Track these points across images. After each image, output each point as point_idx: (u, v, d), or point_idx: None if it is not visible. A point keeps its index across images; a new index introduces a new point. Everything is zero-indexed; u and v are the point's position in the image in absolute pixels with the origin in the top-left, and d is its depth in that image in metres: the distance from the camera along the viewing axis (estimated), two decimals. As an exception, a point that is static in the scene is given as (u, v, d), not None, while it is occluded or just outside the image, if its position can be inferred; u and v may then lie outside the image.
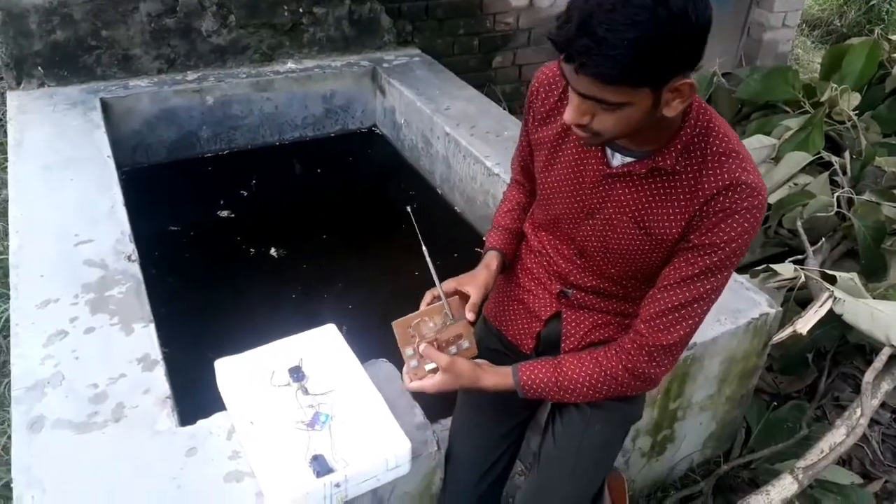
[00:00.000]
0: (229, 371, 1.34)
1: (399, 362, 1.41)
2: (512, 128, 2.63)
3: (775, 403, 2.08)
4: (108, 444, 1.27)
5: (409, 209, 1.21)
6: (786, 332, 1.86)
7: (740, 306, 1.75)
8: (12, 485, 1.21)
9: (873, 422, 2.11)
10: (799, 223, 2.44)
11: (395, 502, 1.32)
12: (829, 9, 5.91)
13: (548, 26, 0.96)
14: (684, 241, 1.09)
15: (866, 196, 2.52)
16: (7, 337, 1.75)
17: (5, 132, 2.47)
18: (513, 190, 1.44)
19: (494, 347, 1.38)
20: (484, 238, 2.59)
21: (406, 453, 1.22)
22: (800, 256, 2.30)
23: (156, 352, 1.48)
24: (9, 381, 1.41)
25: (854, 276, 2.02)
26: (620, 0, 0.85)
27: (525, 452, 1.68)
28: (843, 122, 2.95)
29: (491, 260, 1.33)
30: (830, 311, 1.89)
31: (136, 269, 1.73)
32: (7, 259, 1.79)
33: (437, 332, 1.18)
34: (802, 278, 2.06)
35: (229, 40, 2.95)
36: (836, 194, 2.52)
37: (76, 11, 2.63)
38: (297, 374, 1.33)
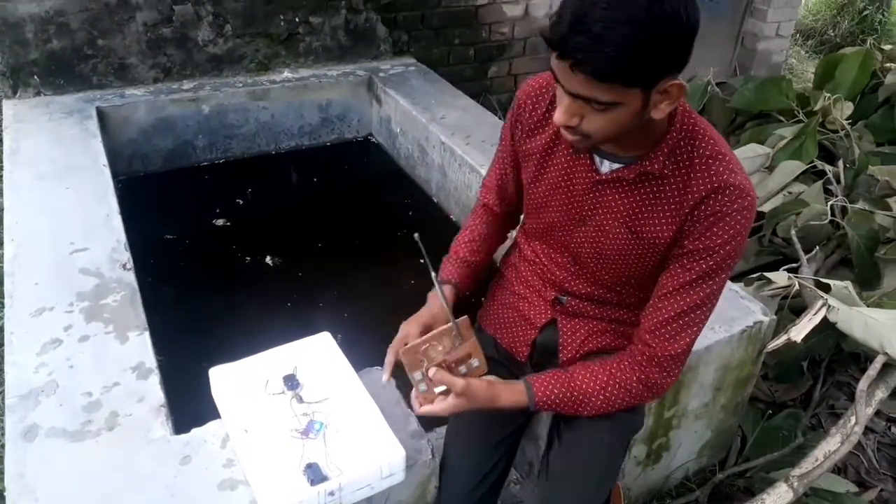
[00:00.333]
0: (224, 379, 1.34)
1: (393, 372, 1.42)
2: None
3: (770, 412, 2.08)
4: (102, 453, 1.27)
5: (415, 237, 1.17)
6: (780, 340, 1.87)
7: (735, 314, 1.75)
8: (5, 493, 1.20)
9: (868, 430, 2.11)
10: (793, 232, 2.45)
11: (389, 511, 1.31)
12: (822, 19, 5.96)
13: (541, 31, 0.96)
14: (678, 247, 1.10)
15: (860, 205, 2.54)
16: (1, 345, 1.75)
17: (1, 141, 2.47)
18: (476, 218, 1.42)
19: (489, 355, 1.37)
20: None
21: (400, 461, 1.22)
22: (794, 265, 2.31)
23: (150, 360, 1.47)
24: (2, 390, 1.40)
25: (848, 284, 2.03)
26: None
27: (520, 461, 1.68)
28: (836, 132, 2.97)
29: (444, 293, 1.26)
30: (825, 320, 1.90)
31: (131, 277, 1.72)
32: (2, 267, 1.79)
33: (446, 354, 1.15)
34: (796, 286, 2.07)
35: (225, 49, 2.96)
36: (829, 203, 2.54)
37: (72, 20, 2.64)
38: (291, 382, 1.33)
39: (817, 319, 1.89)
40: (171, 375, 1.50)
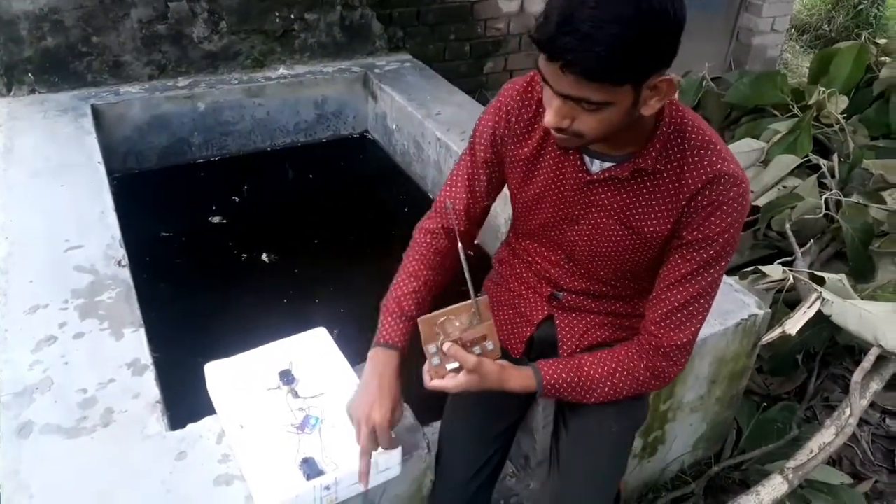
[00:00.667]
0: (219, 375, 1.34)
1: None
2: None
3: (765, 404, 2.09)
4: (98, 449, 1.27)
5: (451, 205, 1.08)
6: (775, 333, 1.88)
7: (730, 308, 1.75)
8: (0, 490, 1.20)
9: (863, 422, 2.12)
10: (787, 225, 2.46)
11: (385, 505, 1.32)
12: (817, 14, 5.96)
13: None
14: (677, 239, 1.10)
15: (854, 198, 2.54)
16: (-4, 343, 1.75)
17: (-5, 139, 2.46)
18: (422, 260, 1.26)
19: (483, 351, 1.38)
20: (476, 241, 2.60)
21: (396, 455, 1.22)
22: (788, 258, 2.32)
23: (146, 356, 1.47)
24: (-2, 387, 1.40)
25: (842, 277, 2.04)
26: None
27: (515, 454, 1.69)
28: (831, 126, 2.98)
29: (387, 365, 1.18)
30: (819, 313, 1.91)
31: (126, 274, 1.72)
32: (-4, 265, 1.79)
33: (462, 331, 1.13)
34: (791, 280, 2.08)
35: (221, 46, 2.95)
36: (824, 197, 2.55)
37: (67, 18, 2.63)
38: (287, 377, 1.33)
39: (812, 312, 1.89)
40: (166, 371, 1.50)
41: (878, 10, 5.83)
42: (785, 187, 2.68)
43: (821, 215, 2.49)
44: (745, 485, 1.85)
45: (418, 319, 1.11)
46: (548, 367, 1.19)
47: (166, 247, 2.49)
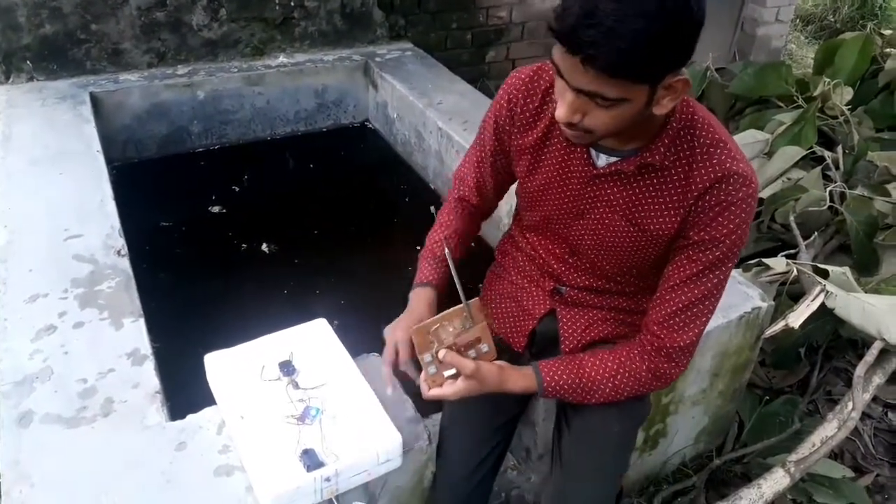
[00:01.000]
0: (219, 365, 1.33)
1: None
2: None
3: (768, 398, 2.09)
4: (98, 439, 1.26)
5: (432, 209, 1.15)
6: (778, 326, 1.87)
7: (733, 300, 1.74)
8: (0, 480, 1.20)
9: (865, 415, 2.11)
10: (791, 218, 2.44)
11: (386, 496, 1.31)
12: (822, 4, 5.92)
13: (541, 20, 0.94)
14: (683, 239, 1.09)
15: (859, 191, 2.53)
16: (-5, 332, 1.74)
17: (-6, 126, 2.44)
18: (452, 213, 1.35)
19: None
20: (478, 233, 2.58)
21: (397, 447, 1.21)
22: (792, 251, 2.30)
23: (145, 346, 1.47)
24: (-3, 377, 1.40)
25: (846, 270, 2.03)
26: None
27: (517, 446, 1.68)
28: (835, 117, 2.96)
29: (422, 300, 1.24)
30: (822, 306, 1.90)
31: (125, 263, 1.71)
32: (-5, 254, 1.78)
33: (456, 336, 1.13)
34: (795, 272, 2.06)
35: (220, 34, 2.93)
36: (828, 189, 2.53)
37: (65, 5, 2.61)
38: (287, 368, 1.32)
39: (815, 305, 1.88)
40: (166, 362, 1.49)
41: (884, 0, 5.78)
42: (789, 179, 2.66)
43: (825, 208, 2.48)
44: (747, 478, 1.85)
45: (411, 330, 1.12)
46: (548, 367, 1.17)
47: (166, 236, 2.49)
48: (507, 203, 1.43)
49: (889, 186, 2.52)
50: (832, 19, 5.73)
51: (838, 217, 2.48)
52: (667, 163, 1.06)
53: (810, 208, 2.48)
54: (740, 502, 1.63)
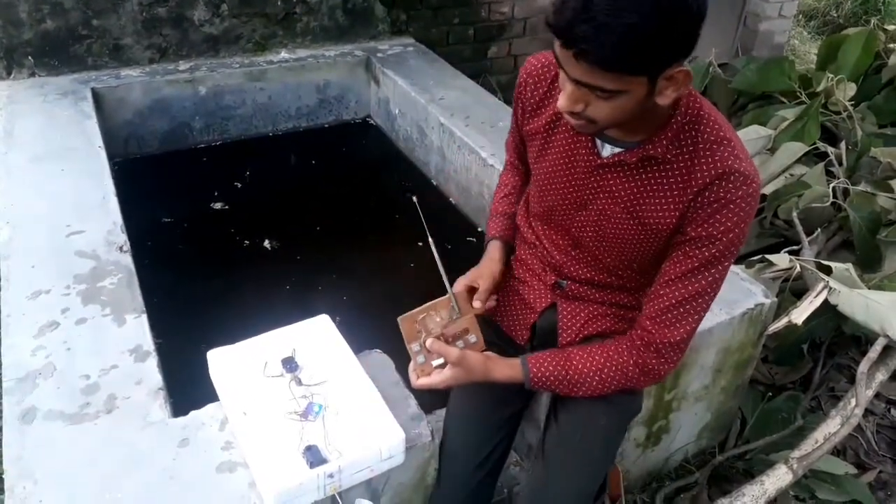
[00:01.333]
0: (222, 362, 1.33)
1: (393, 353, 1.42)
2: (507, 118, 2.61)
3: (770, 394, 2.09)
4: (101, 436, 1.26)
5: (413, 198, 1.19)
6: (781, 323, 1.86)
7: (736, 297, 1.74)
8: (4, 476, 1.20)
9: (868, 412, 2.11)
10: (794, 214, 2.44)
11: (389, 493, 1.31)
12: (825, -1, 5.90)
13: (543, 16, 0.98)
14: (681, 234, 1.08)
15: (862, 187, 2.52)
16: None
17: (-4, 122, 2.44)
18: (507, 174, 1.43)
19: (489, 339, 1.37)
20: (480, 229, 2.59)
21: (400, 443, 1.21)
22: (795, 247, 2.30)
23: (148, 343, 1.47)
24: (0, 373, 1.40)
25: (849, 266, 2.02)
26: None
27: (520, 443, 1.68)
28: (839, 113, 2.95)
29: (494, 250, 1.33)
30: (825, 302, 1.89)
31: (128, 259, 1.71)
32: (-3, 250, 1.78)
33: (444, 326, 1.15)
34: (798, 269, 2.06)
35: (222, 30, 2.92)
36: (831, 185, 2.52)
37: (67, 0, 2.60)
38: (290, 364, 1.32)
39: (818, 302, 1.88)
40: (168, 358, 1.49)
41: (887, -5, 5.76)
42: (792, 175, 2.66)
43: (828, 204, 2.47)
44: (750, 475, 1.85)
45: (398, 319, 1.15)
46: (535, 359, 1.19)
47: (168, 233, 2.48)
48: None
49: (892, 182, 2.52)
50: (835, 14, 5.71)
51: (841, 213, 2.48)
52: (669, 156, 1.05)
53: (813, 204, 2.48)
54: (743, 499, 1.63)
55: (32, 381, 1.36)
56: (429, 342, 1.13)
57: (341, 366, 1.34)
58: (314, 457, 1.15)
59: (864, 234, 2.32)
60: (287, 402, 1.25)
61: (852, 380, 1.98)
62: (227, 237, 2.50)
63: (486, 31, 3.55)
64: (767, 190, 2.62)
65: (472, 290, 1.24)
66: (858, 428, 2.04)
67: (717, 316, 1.68)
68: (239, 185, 2.79)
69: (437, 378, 1.14)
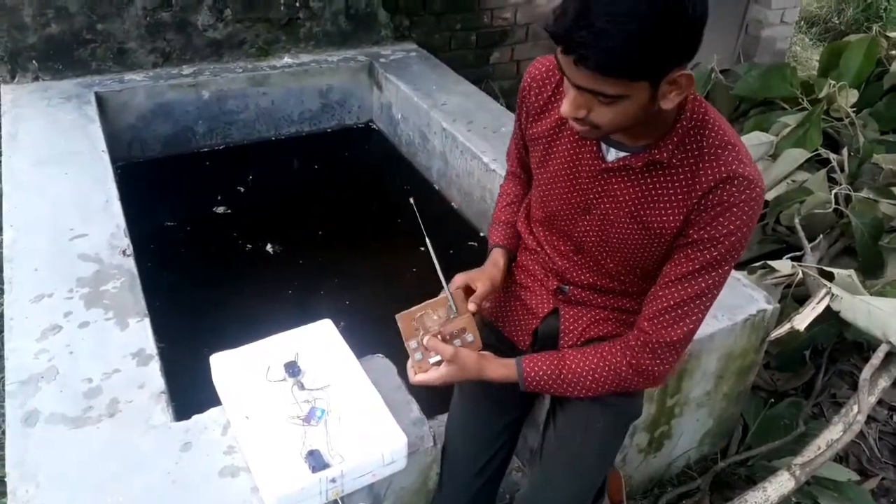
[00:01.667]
0: (225, 366, 1.33)
1: (395, 357, 1.42)
2: (509, 123, 2.60)
3: (772, 400, 2.08)
4: (103, 439, 1.26)
5: (411, 201, 1.20)
6: (783, 329, 1.86)
7: (738, 303, 1.74)
8: (6, 479, 1.20)
9: (870, 419, 2.11)
10: (797, 220, 2.43)
11: (391, 498, 1.31)
12: (827, 6, 5.90)
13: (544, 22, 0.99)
14: (683, 237, 1.09)
15: (864, 193, 2.52)
16: (1, 331, 1.74)
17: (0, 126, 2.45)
18: (509, 183, 1.43)
19: (491, 343, 1.37)
20: (482, 234, 2.59)
21: (402, 448, 1.21)
22: (797, 253, 2.30)
23: (151, 347, 1.47)
24: (2, 376, 1.40)
25: (852, 272, 2.02)
26: None
27: (522, 448, 1.68)
28: (840, 119, 2.95)
29: (498, 257, 1.34)
30: (828, 309, 1.89)
31: (130, 263, 1.72)
32: (1, 253, 1.78)
33: (441, 324, 1.17)
34: (800, 275, 2.06)
35: (225, 34, 2.93)
36: (833, 191, 2.52)
37: (71, 4, 2.62)
38: (292, 369, 1.32)
39: (820, 308, 1.88)
40: (171, 362, 1.50)
41: (889, 2, 5.76)
42: (794, 182, 2.66)
43: (830, 210, 2.47)
44: (752, 481, 1.84)
45: (396, 316, 1.17)
46: (530, 359, 1.20)
47: (171, 236, 2.49)
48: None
49: (894, 189, 2.52)
50: (837, 21, 5.71)
51: (843, 219, 2.48)
52: (674, 161, 1.06)
53: (815, 211, 2.48)
54: (745, 505, 1.63)
55: (35, 385, 1.36)
56: (426, 339, 1.15)
57: (344, 370, 1.34)
58: (316, 461, 1.15)
59: (866, 241, 2.32)
60: (289, 407, 1.25)
61: (855, 386, 1.97)
62: (229, 241, 2.50)
63: (489, 37, 3.56)
64: (769, 196, 2.61)
65: (469, 291, 1.24)
66: (861, 435, 2.04)
67: (719, 322, 1.67)
68: (241, 190, 2.80)
69: (433, 375, 1.16)
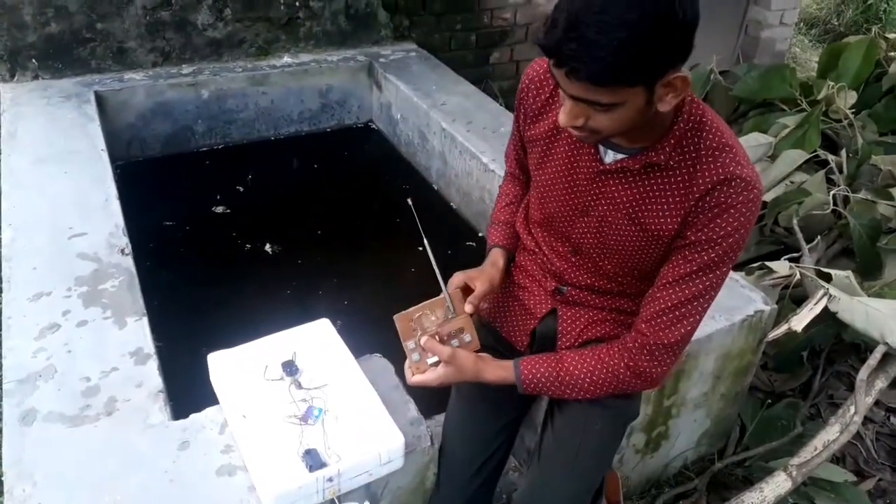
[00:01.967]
0: (222, 365, 1.33)
1: (393, 357, 1.42)
2: (508, 124, 2.60)
3: (770, 401, 2.08)
4: (100, 438, 1.26)
5: (409, 201, 1.20)
6: (781, 330, 1.86)
7: (735, 304, 1.74)
8: (3, 478, 1.20)
9: (867, 420, 2.11)
10: (795, 221, 2.44)
11: (388, 497, 1.31)
12: (826, 7, 5.91)
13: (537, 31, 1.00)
14: (681, 239, 1.09)
15: (862, 194, 2.52)
16: (-1, 330, 1.75)
17: (-1, 124, 2.45)
18: (508, 184, 1.43)
19: (489, 344, 1.37)
20: (481, 234, 2.59)
21: (399, 448, 1.21)
22: (795, 254, 2.30)
23: (148, 346, 1.47)
24: (0, 374, 1.40)
25: (849, 274, 2.02)
26: (607, 0, 0.85)
27: (519, 448, 1.68)
28: (839, 121, 2.95)
29: (497, 257, 1.34)
30: (825, 310, 1.89)
31: (129, 262, 1.72)
32: (-1, 252, 1.78)
33: (439, 325, 1.18)
34: (798, 276, 2.06)
35: (225, 34, 2.93)
36: (832, 192, 2.53)
37: (71, 3, 2.62)
38: (290, 368, 1.33)
39: (818, 309, 1.88)
40: (169, 361, 1.50)
41: (888, 4, 5.77)
42: (792, 183, 2.66)
43: (828, 211, 2.47)
44: (749, 482, 1.85)
45: (394, 317, 1.17)
46: (528, 361, 1.20)
47: (169, 236, 2.49)
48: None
49: (893, 190, 2.52)
50: (836, 23, 5.72)
51: (841, 221, 2.48)
52: (672, 163, 1.06)
53: (813, 212, 2.48)
54: (742, 506, 1.63)
55: (33, 383, 1.36)
56: (423, 340, 1.15)
57: (341, 370, 1.34)
58: (313, 460, 1.15)
59: (864, 242, 2.32)
60: (287, 406, 1.25)
61: (852, 387, 1.98)
62: (228, 241, 2.50)
63: (489, 37, 3.56)
64: (768, 197, 2.62)
65: (467, 291, 1.24)
66: (858, 436, 2.04)
67: (716, 322, 1.68)
68: (241, 189, 2.80)
69: (430, 376, 1.17)
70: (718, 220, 1.04)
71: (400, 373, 1.37)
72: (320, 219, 2.67)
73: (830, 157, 2.72)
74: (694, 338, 1.61)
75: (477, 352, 1.21)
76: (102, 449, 1.24)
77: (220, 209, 2.66)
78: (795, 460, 1.70)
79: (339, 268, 2.40)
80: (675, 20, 0.87)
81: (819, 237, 2.42)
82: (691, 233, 1.07)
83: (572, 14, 0.86)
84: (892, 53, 3.33)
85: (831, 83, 2.96)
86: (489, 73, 3.65)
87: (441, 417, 1.43)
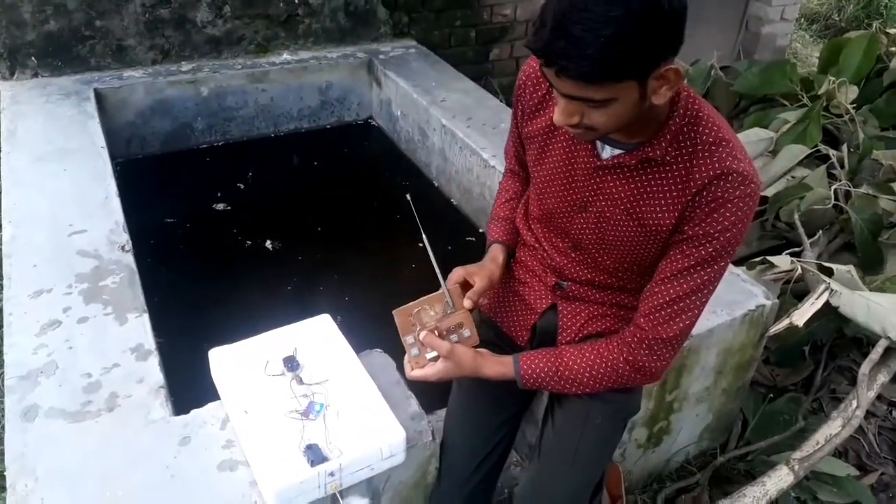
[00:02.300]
0: (223, 360, 1.33)
1: (394, 352, 1.42)
2: (508, 120, 2.59)
3: (772, 396, 2.08)
4: (102, 434, 1.26)
5: (407, 197, 1.20)
6: (782, 324, 1.86)
7: (737, 298, 1.74)
8: (5, 473, 1.20)
9: (869, 414, 2.11)
10: (796, 216, 2.44)
11: (390, 492, 1.31)
12: (827, 3, 5.90)
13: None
14: (678, 233, 1.09)
15: (863, 189, 2.52)
16: (0, 326, 1.74)
17: (-1, 122, 2.45)
18: (508, 180, 1.43)
19: (489, 339, 1.37)
20: (481, 230, 2.59)
21: (401, 443, 1.21)
22: (797, 249, 2.30)
23: (149, 342, 1.47)
24: (2, 371, 1.40)
25: (851, 268, 2.02)
26: None
27: (520, 443, 1.68)
28: (840, 116, 2.95)
29: (497, 253, 1.34)
30: (827, 304, 1.89)
31: (129, 259, 1.72)
32: (0, 249, 1.78)
33: (438, 320, 1.18)
34: (799, 271, 2.06)
35: (224, 31, 2.93)
36: (833, 187, 2.53)
37: (70, 1, 2.61)
38: (291, 363, 1.32)
39: (820, 303, 1.88)
40: (170, 357, 1.50)
41: (889, -1, 5.76)
42: (794, 178, 2.66)
43: (830, 206, 2.47)
44: (751, 476, 1.85)
45: (393, 312, 1.17)
46: (527, 357, 1.20)
47: (170, 232, 2.49)
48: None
49: (894, 185, 2.52)
50: (837, 18, 5.71)
51: (843, 215, 2.48)
52: (668, 158, 1.06)
53: (815, 206, 2.48)
54: (744, 500, 1.63)
55: (34, 380, 1.36)
56: (422, 335, 1.15)
57: (342, 365, 1.34)
58: (315, 455, 1.15)
59: (865, 237, 2.32)
60: (288, 401, 1.25)
61: (854, 381, 1.98)
62: (228, 237, 2.50)
63: (488, 34, 3.56)
64: (769, 192, 2.62)
65: (467, 286, 1.24)
66: (860, 430, 2.04)
67: (718, 317, 1.68)
68: (241, 186, 2.80)
69: (430, 371, 1.17)
70: (716, 215, 1.04)
71: (401, 368, 1.37)
72: (320, 215, 2.66)
73: (832, 152, 2.72)
74: (695, 332, 1.62)
75: (476, 347, 1.21)
76: (104, 444, 1.24)
77: (220, 206, 2.66)
78: (797, 454, 1.70)
79: (340, 264, 2.40)
80: (660, 12, 0.86)
81: (820, 232, 2.42)
82: (689, 227, 1.06)
83: (559, 13, 0.87)
84: (893, 49, 3.33)
85: (832, 78, 2.96)
86: (489, 70, 3.64)
87: (442, 412, 1.43)
